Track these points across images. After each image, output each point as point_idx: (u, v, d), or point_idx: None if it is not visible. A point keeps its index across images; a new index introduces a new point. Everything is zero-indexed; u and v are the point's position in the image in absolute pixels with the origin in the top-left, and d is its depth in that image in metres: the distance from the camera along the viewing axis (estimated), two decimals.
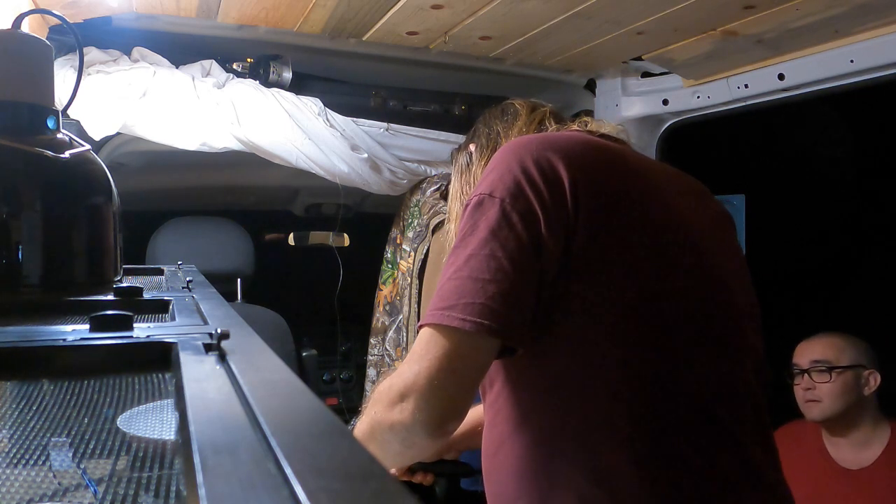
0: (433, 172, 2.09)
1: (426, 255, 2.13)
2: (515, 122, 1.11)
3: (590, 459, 0.83)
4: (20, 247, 0.71)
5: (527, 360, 0.85)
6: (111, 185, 0.81)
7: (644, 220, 0.87)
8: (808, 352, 1.85)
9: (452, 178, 1.19)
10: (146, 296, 0.71)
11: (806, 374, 1.82)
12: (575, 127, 1.06)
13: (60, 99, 1.23)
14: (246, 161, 1.81)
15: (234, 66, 1.76)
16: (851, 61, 1.57)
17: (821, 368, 1.80)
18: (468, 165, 1.14)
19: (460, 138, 1.22)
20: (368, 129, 1.88)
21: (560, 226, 0.82)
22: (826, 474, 1.81)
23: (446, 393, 0.79)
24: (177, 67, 1.67)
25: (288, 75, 1.76)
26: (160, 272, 1.08)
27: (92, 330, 0.50)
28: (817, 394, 1.80)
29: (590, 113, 2.10)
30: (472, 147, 1.15)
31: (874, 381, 1.80)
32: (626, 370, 0.83)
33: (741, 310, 0.94)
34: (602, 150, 0.91)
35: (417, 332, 0.84)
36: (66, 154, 0.74)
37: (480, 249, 0.81)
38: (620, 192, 0.87)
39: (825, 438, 1.86)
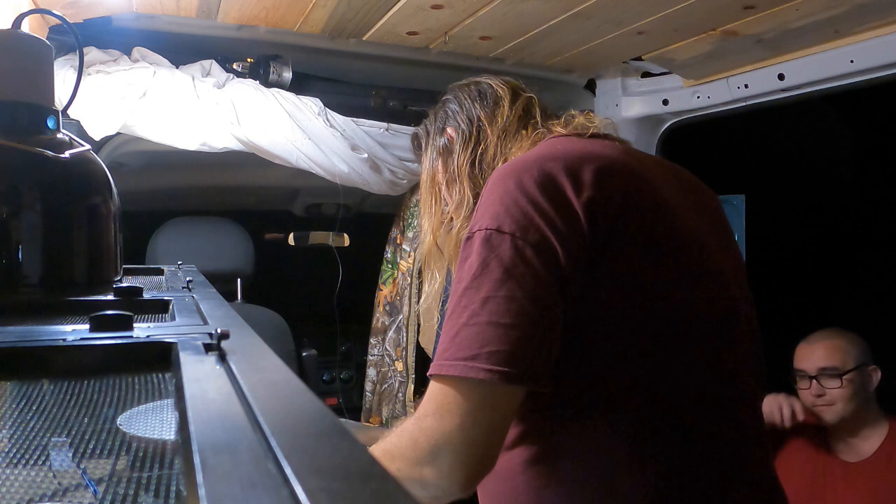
0: None
1: None
2: (498, 109, 1.05)
3: (588, 460, 0.83)
4: (20, 247, 0.71)
5: None
6: (111, 185, 0.81)
7: (652, 226, 0.85)
8: (813, 358, 1.82)
9: (424, 161, 1.12)
10: (146, 296, 0.71)
11: (814, 381, 1.79)
12: (560, 128, 1.01)
13: (60, 99, 1.23)
14: (246, 161, 1.81)
15: (234, 66, 1.76)
16: (851, 61, 1.57)
17: (830, 374, 1.77)
18: (448, 151, 1.08)
19: None
20: (368, 129, 1.88)
21: (580, 252, 0.78)
22: (826, 467, 1.81)
23: (482, 448, 0.76)
24: (177, 67, 1.67)
25: (288, 75, 1.76)
26: (160, 272, 1.08)
27: (92, 330, 0.50)
28: (829, 398, 1.77)
29: None
30: (450, 131, 1.09)
31: (876, 377, 1.80)
32: (634, 376, 0.82)
33: (744, 309, 0.94)
34: (602, 159, 0.86)
35: (426, 376, 0.79)
36: (66, 154, 0.74)
37: (497, 291, 0.76)
38: (629, 203, 0.83)
39: (830, 433, 1.84)
